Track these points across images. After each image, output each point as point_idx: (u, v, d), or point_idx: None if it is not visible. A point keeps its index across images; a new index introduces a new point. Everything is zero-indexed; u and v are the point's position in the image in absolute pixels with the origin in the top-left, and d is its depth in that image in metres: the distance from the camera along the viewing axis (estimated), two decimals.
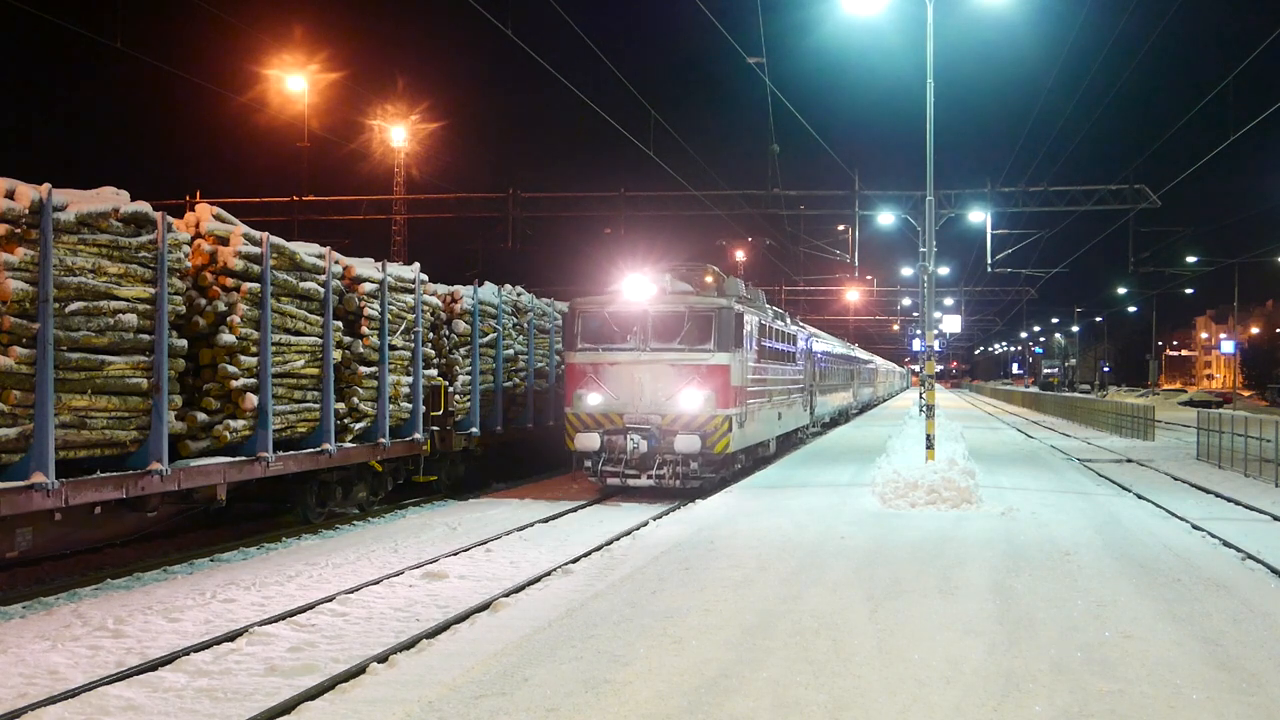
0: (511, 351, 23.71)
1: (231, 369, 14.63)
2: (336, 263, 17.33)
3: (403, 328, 19.00)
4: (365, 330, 17.92)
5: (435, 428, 19.75)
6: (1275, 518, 18.76)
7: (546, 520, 17.85)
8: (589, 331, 20.76)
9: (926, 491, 17.90)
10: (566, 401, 20.78)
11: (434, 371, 20.15)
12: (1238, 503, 20.96)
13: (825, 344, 41.17)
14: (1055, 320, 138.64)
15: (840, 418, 46.25)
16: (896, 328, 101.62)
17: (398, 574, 13.04)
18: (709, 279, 22.97)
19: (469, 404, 21.38)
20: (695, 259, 26.82)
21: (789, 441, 30.32)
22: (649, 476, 19.80)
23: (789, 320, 30.50)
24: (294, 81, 40.37)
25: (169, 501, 13.98)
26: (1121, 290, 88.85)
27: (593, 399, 20.15)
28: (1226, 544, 15.42)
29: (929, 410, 23.07)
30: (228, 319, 14.74)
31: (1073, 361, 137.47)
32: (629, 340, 20.43)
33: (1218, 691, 7.66)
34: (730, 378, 20.08)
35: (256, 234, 15.42)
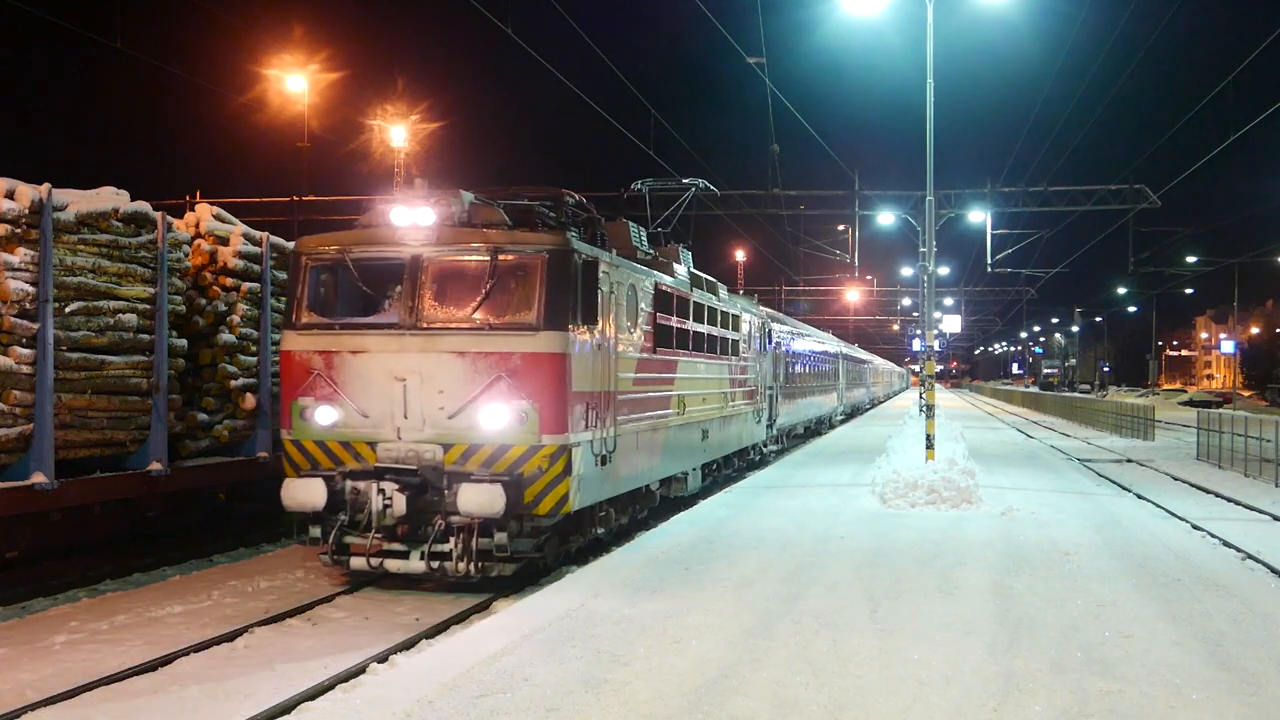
0: None
1: (231, 369, 14.64)
2: None
3: None
4: None
5: None
6: (1275, 518, 18.76)
7: None
8: (322, 296, 12.46)
9: (926, 491, 17.89)
10: (283, 420, 12.28)
11: None
12: (1238, 503, 20.96)
13: (796, 333, 33.58)
14: (1055, 320, 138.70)
15: (820, 426, 39.63)
16: (896, 328, 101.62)
17: None
18: (555, 211, 13.45)
19: None
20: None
21: (730, 466, 22.37)
22: (422, 555, 11.44)
23: (726, 294, 21.45)
24: (294, 81, 40.38)
25: (168, 501, 13.99)
26: (1121, 290, 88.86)
27: (323, 415, 11.90)
28: (1226, 544, 15.42)
29: (929, 410, 23.04)
30: (228, 319, 14.76)
31: (1073, 361, 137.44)
32: (386, 311, 12.14)
33: (1218, 691, 7.66)
34: (570, 375, 11.81)
35: (256, 234, 15.43)
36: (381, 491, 11.41)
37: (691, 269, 18.78)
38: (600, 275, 12.73)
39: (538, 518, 11.71)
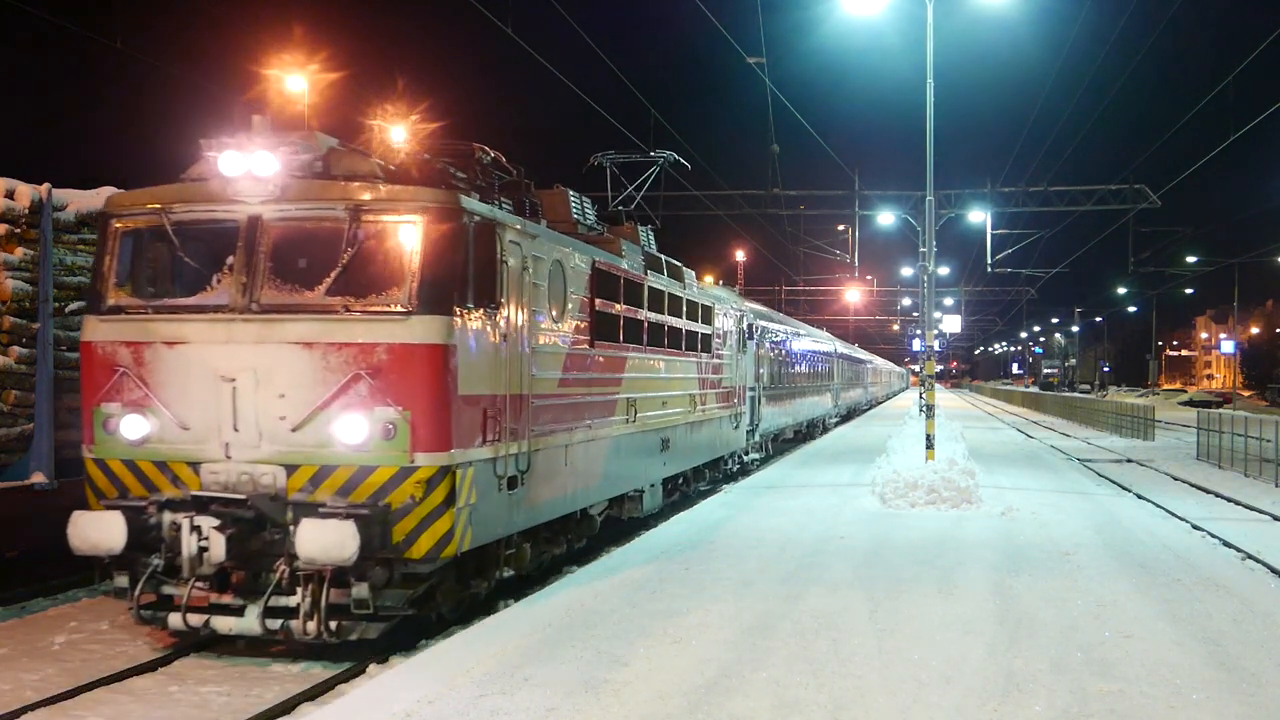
0: None
1: None
2: None
3: None
4: None
5: None
6: (1275, 518, 18.77)
7: None
8: (134, 270, 9.78)
9: (926, 491, 17.90)
10: (84, 432, 9.69)
11: None
12: (1238, 503, 20.97)
13: (784, 330, 31.11)
14: (1055, 320, 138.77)
15: (813, 430, 37.15)
16: (896, 328, 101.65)
17: None
18: (465, 170, 11.07)
19: None
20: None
21: (702, 478, 20.15)
22: (260, 612, 8.96)
23: (695, 281, 18.61)
24: (294, 81, 40.38)
25: None
26: (1121, 290, 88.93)
27: (130, 427, 9.32)
28: (1226, 544, 15.43)
29: (929, 410, 23.05)
30: None
31: (1073, 361, 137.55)
32: (215, 290, 9.38)
33: (1218, 691, 7.66)
34: (457, 374, 9.27)
35: None
36: (197, 529, 8.74)
37: (650, 249, 16.24)
38: (505, 245, 10.08)
39: (412, 562, 9.00)
